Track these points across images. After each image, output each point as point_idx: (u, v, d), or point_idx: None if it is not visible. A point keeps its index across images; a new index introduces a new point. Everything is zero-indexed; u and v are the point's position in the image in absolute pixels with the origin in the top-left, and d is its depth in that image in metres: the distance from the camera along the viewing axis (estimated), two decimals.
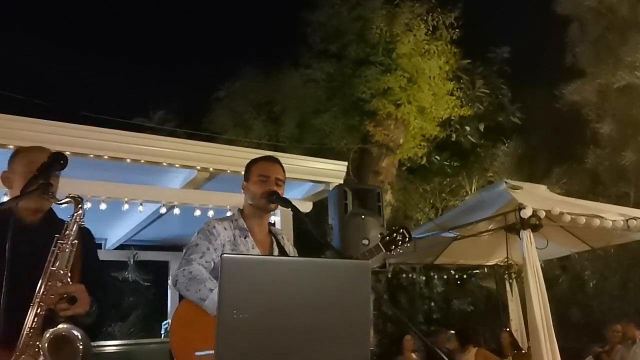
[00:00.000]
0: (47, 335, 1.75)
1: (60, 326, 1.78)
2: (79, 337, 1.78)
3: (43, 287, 1.85)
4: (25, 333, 1.79)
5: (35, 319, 1.81)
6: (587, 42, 12.13)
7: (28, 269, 1.89)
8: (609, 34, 11.77)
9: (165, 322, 7.31)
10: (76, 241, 1.95)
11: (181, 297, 2.24)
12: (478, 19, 12.55)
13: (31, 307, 1.82)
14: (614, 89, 11.27)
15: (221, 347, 1.35)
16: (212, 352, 1.36)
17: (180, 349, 2.09)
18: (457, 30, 11.11)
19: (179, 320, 2.18)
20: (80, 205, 2.01)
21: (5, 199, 2.11)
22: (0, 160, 2.30)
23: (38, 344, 1.79)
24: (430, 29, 10.97)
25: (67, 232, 1.95)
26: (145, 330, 11.77)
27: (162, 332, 7.15)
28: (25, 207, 2.02)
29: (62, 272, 1.88)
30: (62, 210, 2.09)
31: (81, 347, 1.77)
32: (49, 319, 1.81)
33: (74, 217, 1.98)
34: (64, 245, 1.92)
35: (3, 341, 1.82)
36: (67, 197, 2.02)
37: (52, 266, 1.88)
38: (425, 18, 10.94)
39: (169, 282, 7.28)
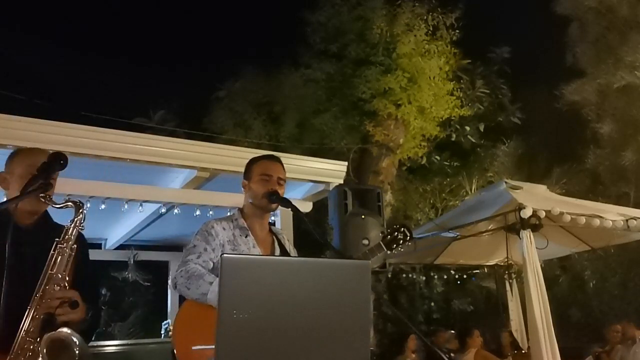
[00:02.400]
0: (46, 338, 1.74)
1: (59, 330, 1.76)
2: (77, 342, 1.76)
3: (41, 290, 1.82)
4: (20, 336, 1.76)
5: (32, 323, 1.78)
6: (587, 42, 12.13)
7: (23, 272, 1.86)
8: (609, 34, 11.77)
9: (165, 322, 7.32)
10: (75, 246, 1.92)
11: (182, 298, 2.24)
12: (478, 19, 12.54)
13: (28, 310, 1.79)
14: (614, 89, 11.27)
15: (221, 347, 1.34)
16: (208, 347, 1.36)
17: (183, 347, 2.09)
18: (458, 31, 11.11)
19: (182, 320, 2.17)
20: (81, 210, 1.97)
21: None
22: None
23: (33, 348, 1.76)
24: (431, 29, 10.96)
25: (67, 236, 1.92)
26: (145, 330, 11.78)
27: (162, 332, 7.15)
28: (21, 210, 1.97)
29: (60, 276, 1.86)
30: (57, 212, 2.06)
31: (78, 351, 1.76)
32: (47, 323, 1.78)
33: (75, 221, 1.95)
34: (63, 249, 1.89)
35: None
36: (67, 202, 1.98)
37: (51, 270, 1.85)
38: (425, 18, 10.93)
39: (169, 282, 7.28)
